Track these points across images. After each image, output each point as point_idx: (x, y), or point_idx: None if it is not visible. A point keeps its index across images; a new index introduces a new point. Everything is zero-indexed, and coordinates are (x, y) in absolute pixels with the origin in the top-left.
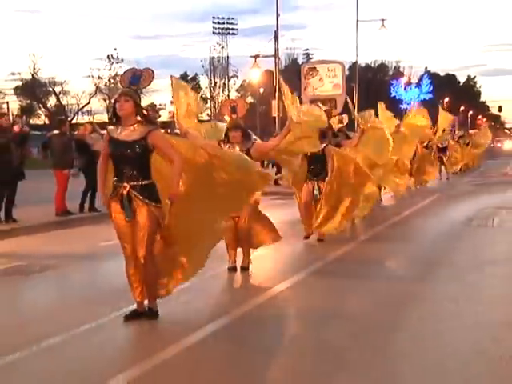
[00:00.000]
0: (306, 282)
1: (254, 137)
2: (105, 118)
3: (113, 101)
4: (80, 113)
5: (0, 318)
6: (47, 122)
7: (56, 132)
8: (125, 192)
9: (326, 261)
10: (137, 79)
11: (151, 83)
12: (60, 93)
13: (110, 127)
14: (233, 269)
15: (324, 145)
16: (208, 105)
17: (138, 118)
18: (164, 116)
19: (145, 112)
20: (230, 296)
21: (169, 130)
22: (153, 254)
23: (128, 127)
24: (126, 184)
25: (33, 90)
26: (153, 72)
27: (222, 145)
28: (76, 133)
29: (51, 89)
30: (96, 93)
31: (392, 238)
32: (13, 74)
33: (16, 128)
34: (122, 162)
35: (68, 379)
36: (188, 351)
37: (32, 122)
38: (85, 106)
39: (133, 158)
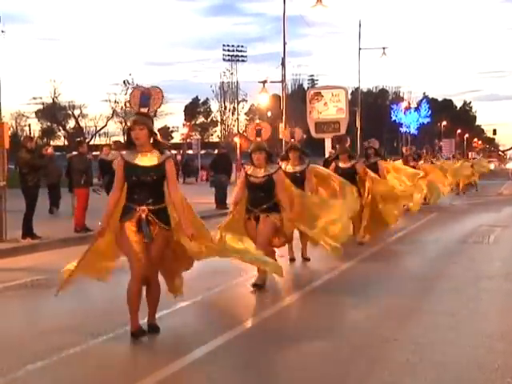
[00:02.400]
0: (308, 298)
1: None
2: (121, 139)
3: (127, 127)
4: (97, 135)
5: (21, 328)
6: (66, 143)
7: (75, 153)
8: (143, 215)
9: (327, 277)
10: (146, 99)
11: (161, 104)
12: (79, 116)
13: (124, 152)
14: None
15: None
16: (218, 127)
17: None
18: (176, 138)
19: (158, 138)
20: (232, 312)
21: (181, 151)
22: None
23: (144, 153)
24: (144, 207)
25: (53, 113)
26: (161, 91)
27: (247, 167)
28: (99, 154)
29: (70, 112)
30: (113, 116)
31: (391, 254)
32: (34, 98)
33: (50, 150)
34: (139, 186)
35: None
36: (192, 366)
37: (52, 143)
38: (102, 128)
39: (151, 182)
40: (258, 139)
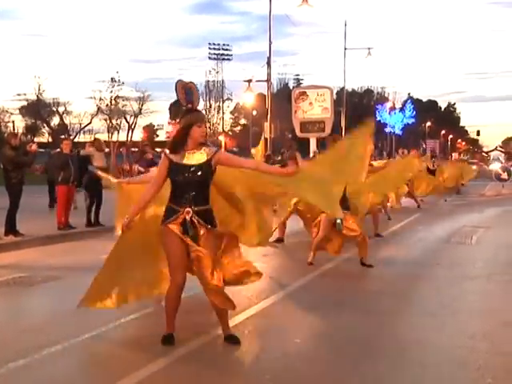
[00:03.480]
0: (290, 298)
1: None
2: (105, 137)
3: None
4: (82, 132)
5: (3, 326)
6: (50, 140)
7: (58, 150)
8: (188, 217)
9: (310, 277)
10: (190, 96)
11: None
12: (63, 113)
13: (167, 151)
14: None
15: None
16: None
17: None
18: (162, 136)
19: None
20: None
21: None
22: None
23: (197, 151)
24: (189, 209)
25: (37, 109)
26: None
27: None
28: (81, 151)
29: (55, 109)
30: (97, 113)
31: (374, 254)
32: (18, 94)
33: (34, 147)
34: (186, 186)
35: None
36: (165, 370)
37: (36, 139)
38: (87, 125)
39: (199, 181)
40: None
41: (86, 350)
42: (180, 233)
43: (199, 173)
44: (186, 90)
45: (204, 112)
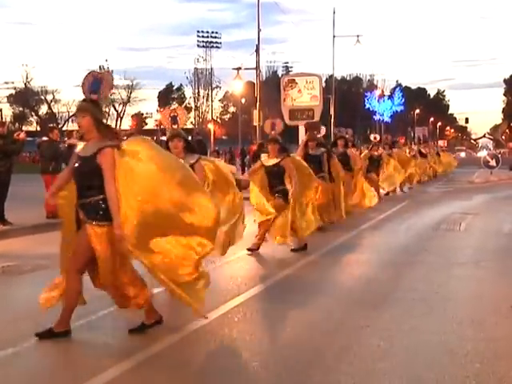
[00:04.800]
0: (279, 286)
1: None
2: None
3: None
4: (70, 120)
5: None
6: (39, 128)
7: (45, 138)
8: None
9: (298, 265)
10: (97, 85)
11: (112, 90)
12: (51, 101)
13: (81, 142)
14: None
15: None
16: (192, 114)
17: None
18: (150, 124)
19: (104, 125)
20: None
21: (155, 138)
22: None
23: (89, 143)
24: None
25: (25, 98)
26: (112, 76)
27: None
28: (67, 140)
29: (43, 97)
30: None
31: (364, 242)
32: (6, 82)
33: (22, 135)
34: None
35: (57, 374)
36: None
37: (24, 128)
38: (75, 113)
39: (84, 174)
40: (175, 127)
41: (75, 338)
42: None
43: (87, 165)
44: (94, 79)
45: (193, 100)
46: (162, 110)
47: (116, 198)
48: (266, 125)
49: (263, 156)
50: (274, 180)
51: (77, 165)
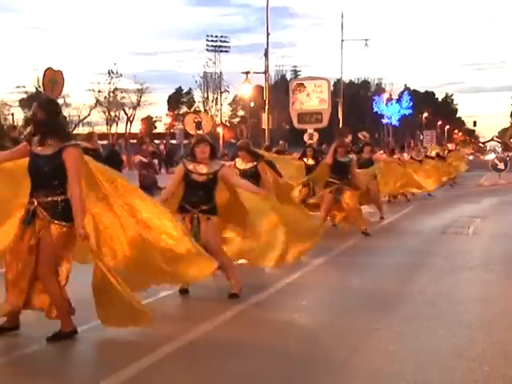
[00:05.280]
0: (289, 289)
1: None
2: (104, 129)
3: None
4: (81, 124)
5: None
6: None
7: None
8: (32, 207)
9: (307, 269)
10: (55, 83)
11: (60, 92)
12: (62, 105)
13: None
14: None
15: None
16: None
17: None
18: (160, 128)
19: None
20: (203, 305)
21: (164, 141)
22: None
23: (44, 142)
24: (35, 199)
25: None
26: (62, 73)
27: (187, 162)
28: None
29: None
30: (96, 105)
31: (371, 246)
32: (18, 87)
33: None
34: (34, 177)
35: (77, 371)
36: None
37: None
38: (85, 117)
39: (45, 173)
40: (199, 132)
41: (93, 337)
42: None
43: (44, 164)
44: (51, 79)
45: (202, 103)
46: (171, 113)
47: (82, 198)
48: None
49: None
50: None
51: (34, 162)
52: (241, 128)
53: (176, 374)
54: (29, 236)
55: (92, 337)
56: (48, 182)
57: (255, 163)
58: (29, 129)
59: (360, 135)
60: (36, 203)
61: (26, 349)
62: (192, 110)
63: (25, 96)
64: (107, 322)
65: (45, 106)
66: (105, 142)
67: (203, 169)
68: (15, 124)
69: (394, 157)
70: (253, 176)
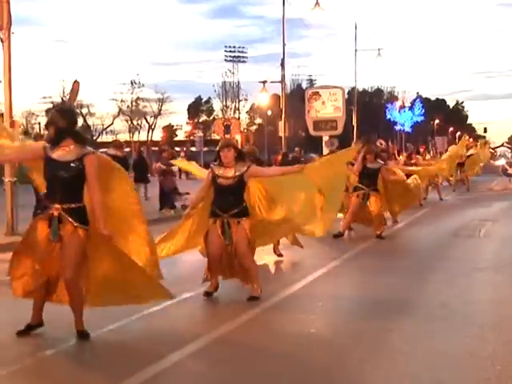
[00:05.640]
0: (303, 292)
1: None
2: (127, 137)
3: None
4: (104, 132)
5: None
6: None
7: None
8: (56, 213)
9: (322, 270)
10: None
11: (77, 95)
12: (86, 114)
13: (47, 145)
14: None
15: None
16: None
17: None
18: (180, 135)
19: (77, 132)
20: (227, 305)
21: (185, 148)
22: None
23: (63, 147)
24: (57, 206)
25: None
26: (78, 83)
27: (215, 167)
28: (107, 150)
29: (78, 111)
30: (119, 114)
31: (385, 248)
32: (44, 97)
33: None
34: (54, 183)
35: (100, 371)
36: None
37: None
38: (109, 126)
39: (67, 179)
40: (227, 136)
41: (105, 341)
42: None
43: (66, 170)
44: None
45: (221, 112)
46: (191, 121)
47: (101, 202)
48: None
49: None
50: None
51: (54, 168)
52: (247, 134)
53: (199, 373)
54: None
55: (112, 338)
56: (71, 188)
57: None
58: (47, 134)
59: (377, 143)
60: (61, 209)
61: (42, 352)
62: (211, 118)
63: (50, 106)
64: (126, 301)
65: (66, 115)
66: (127, 149)
67: (229, 172)
68: (41, 133)
69: (412, 161)
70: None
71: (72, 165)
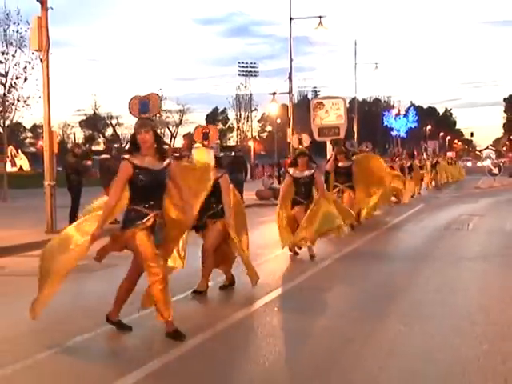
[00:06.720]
0: (308, 281)
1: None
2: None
3: (133, 131)
4: None
5: (59, 308)
6: None
7: (104, 156)
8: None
9: (326, 262)
10: (146, 106)
11: (160, 108)
12: (116, 124)
13: (127, 156)
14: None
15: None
16: (235, 133)
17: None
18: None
19: (162, 141)
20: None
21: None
22: None
23: (151, 156)
24: (157, 212)
25: (94, 122)
26: (158, 95)
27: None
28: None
29: (108, 122)
30: None
31: (383, 241)
32: (78, 110)
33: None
34: (149, 189)
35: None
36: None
37: (93, 148)
38: (137, 129)
39: (161, 186)
40: (205, 142)
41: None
42: (148, 234)
43: (162, 176)
44: (140, 103)
45: (235, 121)
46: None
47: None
48: (292, 139)
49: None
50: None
51: (151, 176)
52: (300, 135)
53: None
54: None
55: (111, 336)
56: (162, 193)
57: (312, 171)
58: (128, 146)
59: (363, 145)
60: (158, 214)
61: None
62: (226, 126)
63: (84, 118)
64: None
65: (152, 127)
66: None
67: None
68: (77, 142)
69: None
70: (309, 183)
71: (164, 172)
